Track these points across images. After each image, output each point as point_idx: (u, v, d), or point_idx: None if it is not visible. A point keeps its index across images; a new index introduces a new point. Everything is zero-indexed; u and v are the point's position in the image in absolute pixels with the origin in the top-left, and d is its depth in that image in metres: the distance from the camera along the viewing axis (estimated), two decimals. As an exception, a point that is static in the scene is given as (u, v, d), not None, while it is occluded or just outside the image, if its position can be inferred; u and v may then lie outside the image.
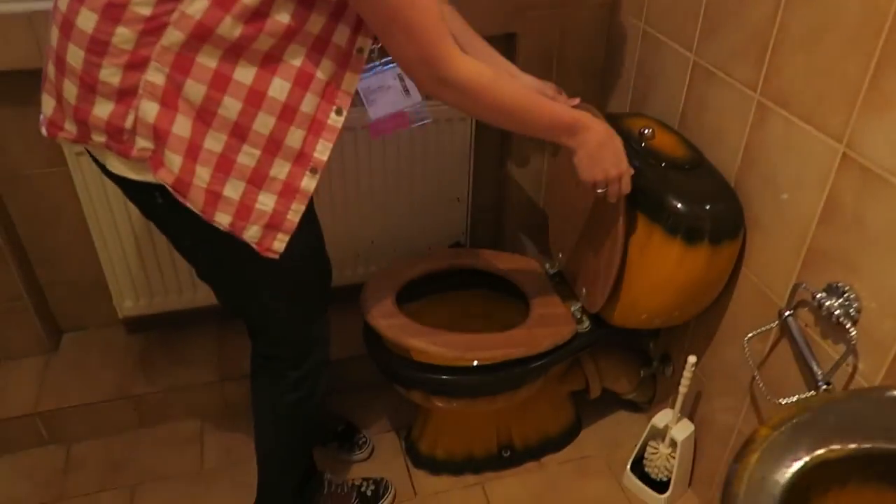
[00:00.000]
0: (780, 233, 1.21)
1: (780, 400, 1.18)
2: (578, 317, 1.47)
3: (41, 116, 1.00)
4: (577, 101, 1.36)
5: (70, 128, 0.96)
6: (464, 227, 1.86)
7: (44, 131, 0.99)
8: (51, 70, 0.95)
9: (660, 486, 1.59)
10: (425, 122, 1.37)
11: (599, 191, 1.17)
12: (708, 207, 1.24)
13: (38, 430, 1.64)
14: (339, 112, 0.99)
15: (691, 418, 1.57)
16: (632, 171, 1.18)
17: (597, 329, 1.47)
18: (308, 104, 0.96)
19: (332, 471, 1.58)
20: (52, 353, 1.75)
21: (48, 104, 0.97)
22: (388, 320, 1.40)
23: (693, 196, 1.25)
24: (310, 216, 1.09)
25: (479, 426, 1.62)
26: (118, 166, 0.97)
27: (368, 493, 1.54)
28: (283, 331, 1.21)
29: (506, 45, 1.66)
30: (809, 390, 1.16)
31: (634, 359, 1.70)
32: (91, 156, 1.03)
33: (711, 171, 1.32)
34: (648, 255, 1.30)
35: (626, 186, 1.18)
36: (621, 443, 1.74)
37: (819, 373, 1.13)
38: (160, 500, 1.57)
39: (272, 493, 1.40)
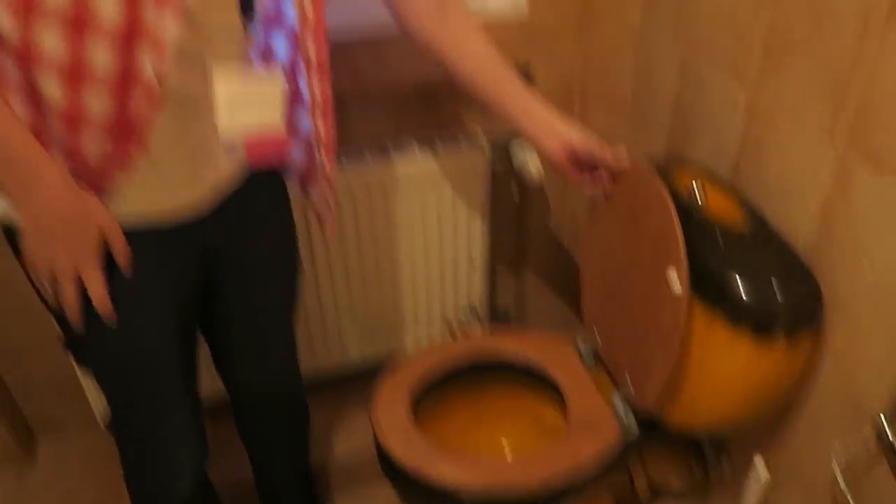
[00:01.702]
0: (875, 323, 0.94)
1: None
2: (623, 416, 1.21)
3: None
4: (626, 153, 1.11)
5: None
6: (480, 290, 1.62)
7: None
8: None
9: None
10: None
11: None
12: (780, 289, 0.98)
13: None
14: None
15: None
16: (96, 272, 0.79)
17: (644, 430, 1.22)
18: None
19: None
20: (27, 466, 1.55)
21: None
22: (405, 447, 1.16)
23: (760, 275, 0.99)
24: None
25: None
26: None
27: None
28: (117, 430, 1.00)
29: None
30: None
31: (685, 453, 1.44)
32: None
33: (777, 239, 1.06)
34: (709, 349, 1.04)
35: (97, 290, 0.80)
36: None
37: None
38: None
39: None
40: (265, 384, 1.19)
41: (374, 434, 1.21)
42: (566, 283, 1.68)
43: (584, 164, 1.12)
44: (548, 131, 1.07)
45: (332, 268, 1.48)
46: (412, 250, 1.52)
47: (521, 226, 1.63)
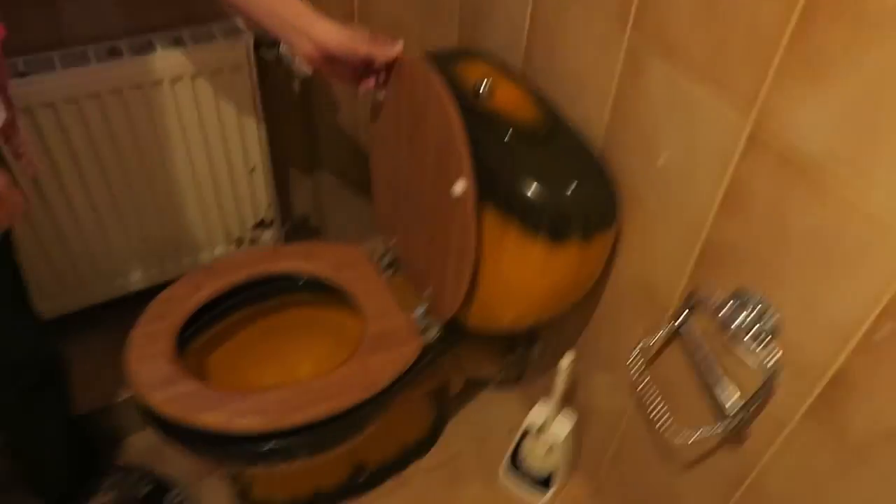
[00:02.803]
0: (666, 217, 0.92)
1: (686, 439, 0.94)
2: (423, 326, 1.15)
3: None
4: (399, 45, 0.96)
5: None
6: (268, 200, 1.45)
7: None
8: None
9: (542, 481, 1.38)
10: None
11: None
12: (574, 193, 0.92)
13: None
14: None
15: (570, 402, 1.33)
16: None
17: (447, 336, 1.16)
18: None
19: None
20: None
21: None
22: (166, 391, 1.01)
23: (554, 178, 0.93)
24: None
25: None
26: None
27: None
28: None
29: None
30: (717, 421, 0.92)
31: (496, 342, 1.42)
32: None
33: (571, 135, 0.99)
34: (505, 255, 0.98)
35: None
36: (492, 430, 1.50)
37: (726, 402, 0.89)
38: None
39: None
40: None
41: (128, 381, 1.04)
42: (368, 185, 1.56)
43: (353, 63, 0.96)
44: (296, 32, 0.90)
45: (92, 189, 1.24)
46: (174, 163, 1.30)
47: (307, 123, 1.46)
